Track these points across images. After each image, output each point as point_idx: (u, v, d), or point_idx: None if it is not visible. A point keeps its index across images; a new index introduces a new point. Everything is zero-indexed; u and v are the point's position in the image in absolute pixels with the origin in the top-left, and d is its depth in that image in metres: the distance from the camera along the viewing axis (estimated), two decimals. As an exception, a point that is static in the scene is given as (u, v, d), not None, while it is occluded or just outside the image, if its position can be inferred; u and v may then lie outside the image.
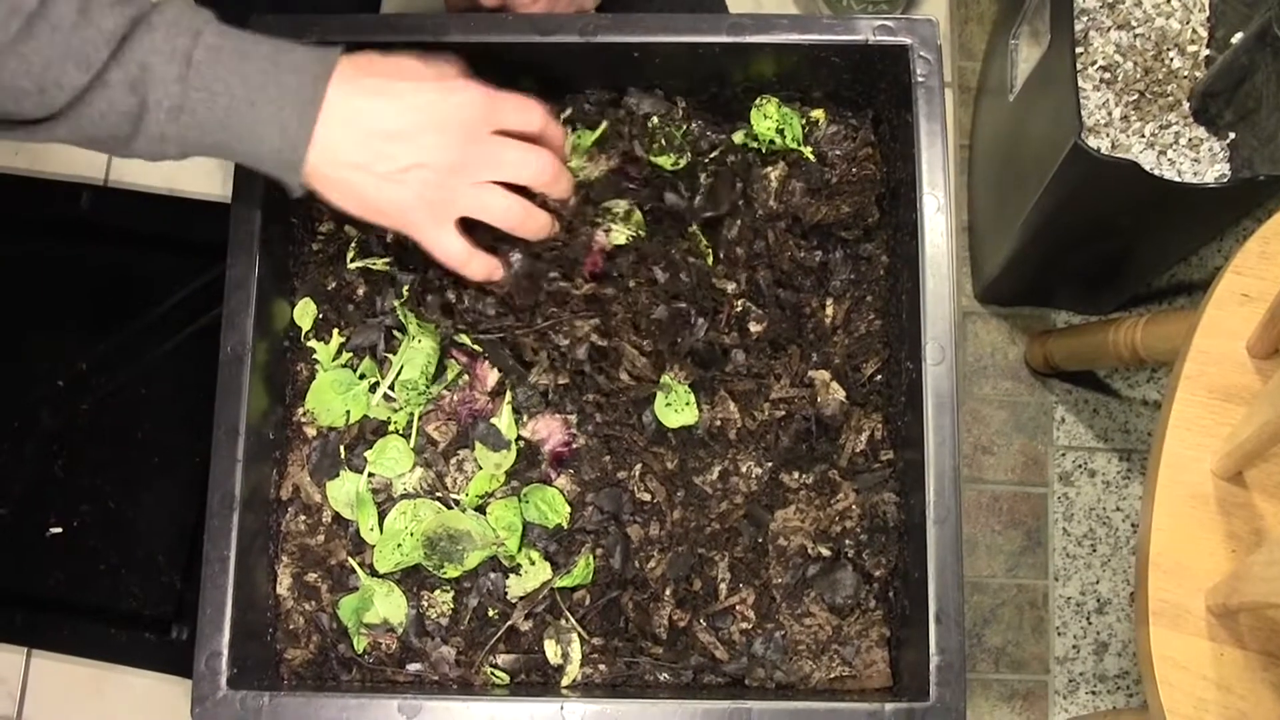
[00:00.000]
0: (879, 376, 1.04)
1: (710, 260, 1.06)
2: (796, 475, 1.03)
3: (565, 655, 0.99)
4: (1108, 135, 1.34)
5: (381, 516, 1.02)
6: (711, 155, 1.08)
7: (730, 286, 1.06)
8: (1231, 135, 1.33)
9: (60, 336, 1.50)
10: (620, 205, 1.04)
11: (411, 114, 0.85)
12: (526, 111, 0.91)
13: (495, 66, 1.04)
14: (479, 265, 0.92)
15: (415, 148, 0.85)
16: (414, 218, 0.88)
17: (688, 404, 1.02)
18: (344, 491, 1.02)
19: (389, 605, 1.00)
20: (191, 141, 0.81)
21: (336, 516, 1.03)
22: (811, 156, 1.07)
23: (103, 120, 0.78)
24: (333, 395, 1.03)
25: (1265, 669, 0.94)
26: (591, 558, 1.00)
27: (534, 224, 0.93)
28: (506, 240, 0.95)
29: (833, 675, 0.99)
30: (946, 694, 0.89)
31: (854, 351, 1.05)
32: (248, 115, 0.80)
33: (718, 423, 1.03)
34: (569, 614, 1.00)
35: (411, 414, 1.03)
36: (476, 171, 0.88)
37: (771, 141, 1.07)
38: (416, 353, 1.03)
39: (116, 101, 0.77)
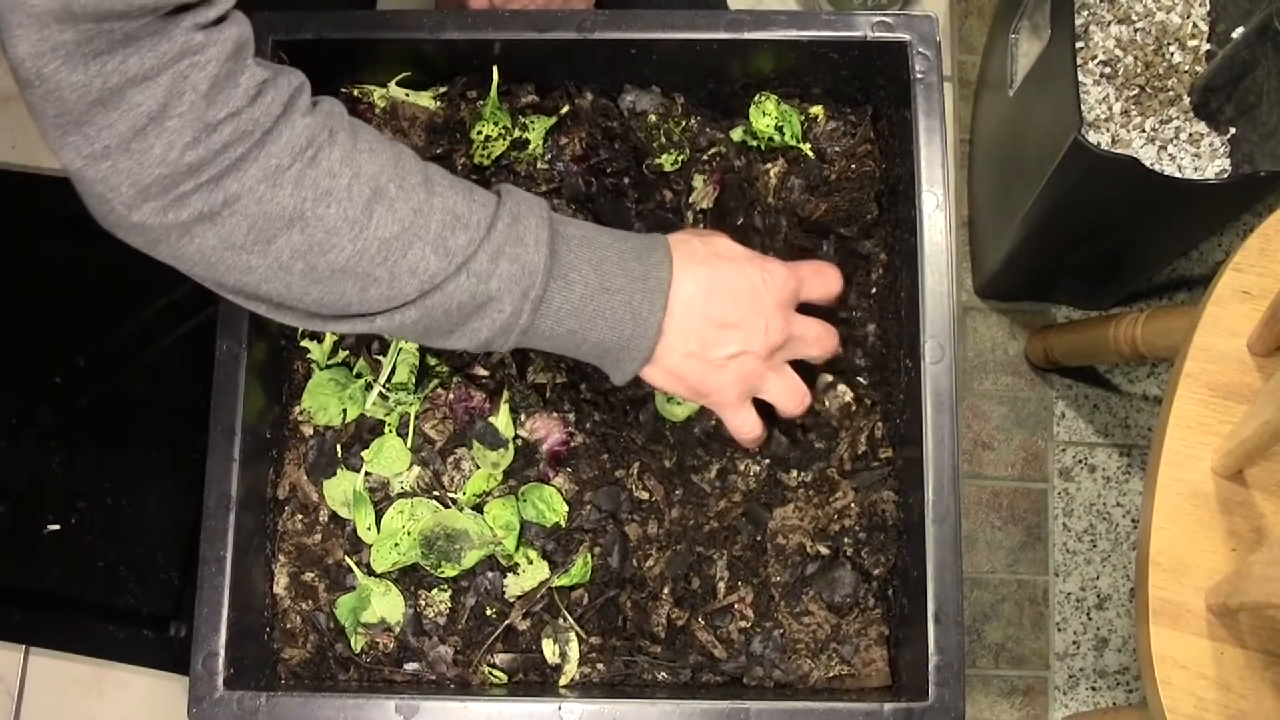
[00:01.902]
0: (878, 374, 1.04)
1: None
2: (795, 473, 1.02)
3: (563, 654, 0.98)
4: (1108, 130, 1.34)
5: (379, 516, 1.01)
6: (710, 152, 1.07)
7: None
8: (1232, 130, 1.32)
9: (58, 334, 1.50)
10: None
11: (739, 301, 0.85)
12: (828, 282, 0.94)
13: (492, 63, 1.04)
14: (760, 436, 0.94)
15: (742, 335, 0.85)
16: (725, 400, 0.89)
17: None
18: (341, 490, 1.02)
19: (386, 605, 1.00)
20: (538, 332, 0.80)
21: (333, 516, 1.02)
22: (810, 153, 1.07)
23: (452, 307, 0.77)
24: (329, 394, 1.03)
25: (1266, 668, 0.94)
26: (589, 556, 1.00)
27: (805, 404, 0.93)
28: None
29: (831, 674, 0.98)
30: (945, 694, 0.88)
31: (853, 349, 1.05)
32: (601, 303, 0.80)
33: (715, 421, 1.03)
34: (567, 613, 0.99)
35: (407, 413, 1.03)
36: (786, 354, 0.90)
37: (770, 138, 1.06)
38: (408, 353, 1.02)
39: (473, 290, 0.76)
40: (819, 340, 0.92)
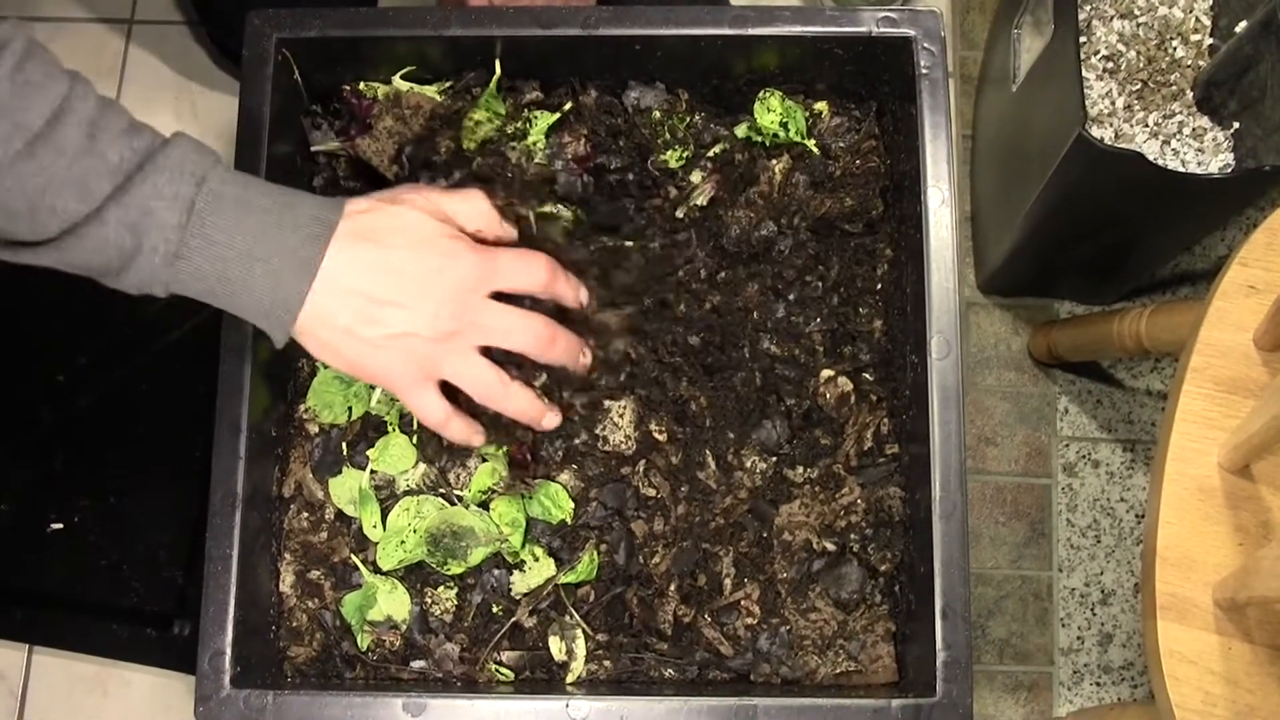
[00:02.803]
0: (883, 370, 1.04)
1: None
2: (801, 470, 1.02)
3: (570, 652, 0.98)
4: (1111, 125, 1.33)
5: (384, 513, 1.01)
6: (714, 149, 1.07)
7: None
8: (1236, 125, 1.32)
9: (60, 332, 1.49)
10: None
11: (407, 282, 0.83)
12: (529, 271, 0.90)
13: (496, 60, 1.04)
14: (457, 429, 0.91)
15: (406, 316, 0.83)
16: (396, 381, 0.87)
17: None
18: (346, 488, 1.02)
19: (392, 602, 1.00)
20: (180, 285, 0.79)
21: (339, 514, 1.02)
22: (815, 149, 1.07)
23: (94, 254, 0.77)
24: (334, 392, 1.03)
25: (1273, 663, 0.94)
26: (596, 553, 1.00)
27: (513, 403, 0.91)
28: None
29: (838, 671, 0.98)
30: (953, 690, 0.88)
31: (858, 345, 1.05)
32: (243, 269, 0.79)
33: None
34: (573, 610, 0.99)
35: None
36: (464, 340, 0.87)
37: (775, 135, 1.06)
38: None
39: (111, 239, 0.76)
40: (511, 332, 0.88)
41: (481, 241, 0.89)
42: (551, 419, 0.95)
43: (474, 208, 0.90)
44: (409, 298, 0.83)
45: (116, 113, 0.78)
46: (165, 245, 0.77)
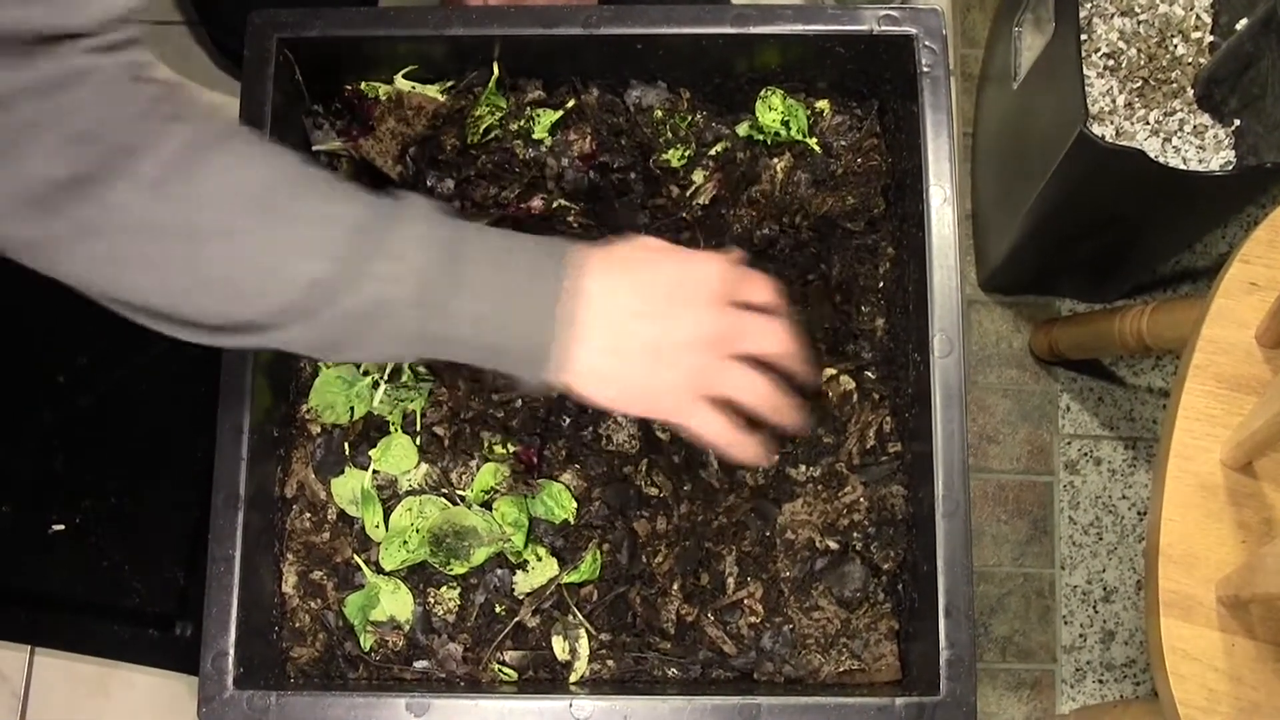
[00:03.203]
0: (886, 369, 1.04)
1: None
2: (804, 468, 1.02)
3: (573, 651, 0.98)
4: (1112, 123, 1.33)
5: (387, 513, 1.01)
6: (716, 147, 1.07)
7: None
8: (1237, 122, 1.32)
9: (61, 332, 1.49)
10: None
11: (665, 292, 0.79)
12: (763, 285, 0.84)
13: (497, 59, 1.04)
14: (750, 449, 0.83)
15: (672, 325, 0.78)
16: (679, 399, 0.80)
17: None
18: (349, 489, 1.02)
19: (395, 603, 1.00)
20: (436, 338, 0.75)
21: (341, 514, 1.02)
22: (817, 148, 1.07)
23: (347, 318, 0.72)
24: (336, 392, 1.03)
25: (1277, 660, 0.94)
26: (598, 553, 0.99)
27: (787, 412, 0.84)
28: None
29: (842, 669, 0.98)
30: (957, 688, 0.88)
31: (860, 344, 1.05)
32: (506, 308, 0.75)
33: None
34: (576, 610, 0.99)
35: (414, 411, 1.03)
36: (730, 344, 0.80)
37: (777, 133, 1.06)
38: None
39: (370, 294, 0.72)
40: (766, 334, 0.82)
41: None
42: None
43: (762, 291, 0.85)
44: (668, 306, 0.79)
45: (334, 178, 0.76)
46: (431, 293, 0.73)
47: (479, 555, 0.99)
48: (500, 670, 0.98)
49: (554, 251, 0.77)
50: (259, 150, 0.73)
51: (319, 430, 1.03)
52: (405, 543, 1.00)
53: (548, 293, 0.76)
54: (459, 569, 0.99)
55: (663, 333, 0.78)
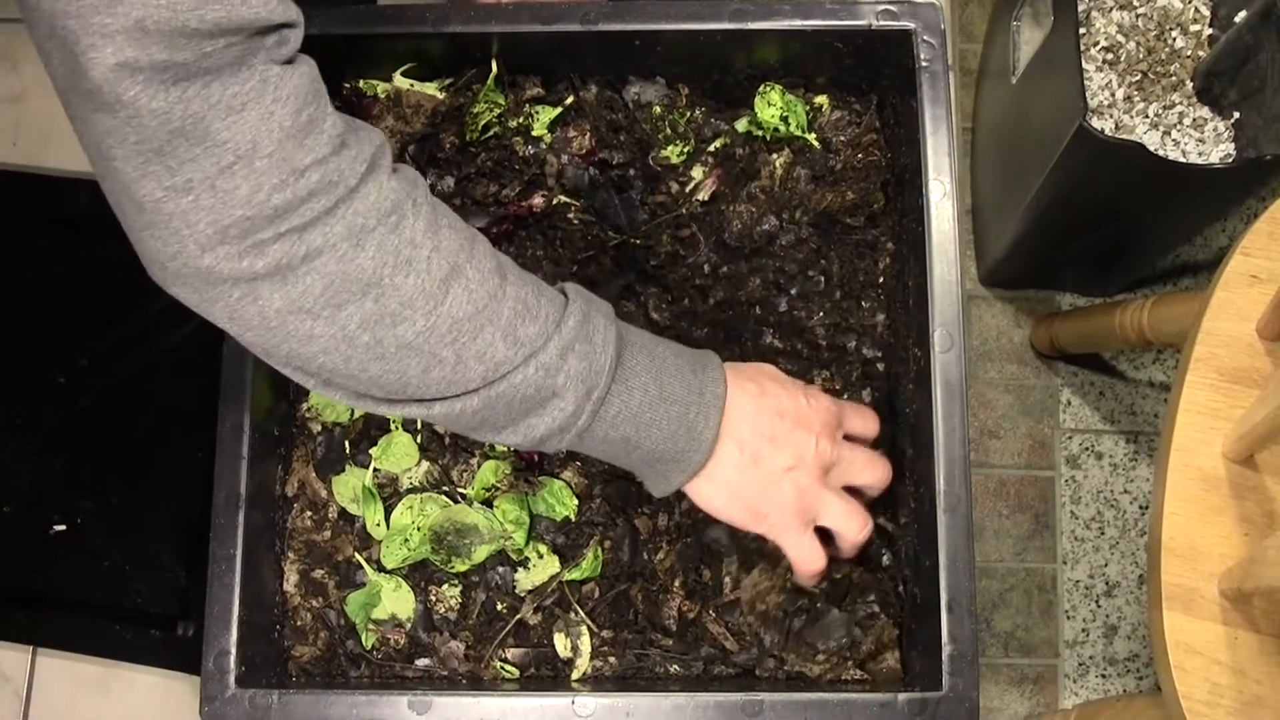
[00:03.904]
0: (886, 364, 1.04)
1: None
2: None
3: (575, 648, 0.98)
4: (1111, 116, 1.33)
5: (388, 512, 1.01)
6: (715, 143, 1.07)
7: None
8: (1236, 115, 1.32)
9: (61, 333, 1.49)
10: None
11: (787, 418, 0.84)
12: (869, 418, 0.93)
13: (495, 56, 1.04)
14: (822, 569, 0.90)
15: (793, 449, 0.84)
16: (788, 522, 0.86)
17: None
18: (350, 487, 1.02)
19: (397, 601, 1.00)
20: (593, 435, 0.78)
21: (342, 512, 1.02)
22: (816, 143, 1.07)
23: (514, 400, 0.74)
24: (337, 390, 1.03)
25: (1280, 653, 0.94)
26: (600, 550, 0.99)
27: (869, 532, 0.91)
28: None
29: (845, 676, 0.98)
30: (959, 683, 0.88)
31: (861, 339, 1.04)
32: (659, 412, 0.78)
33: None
34: (578, 607, 0.99)
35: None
36: (839, 475, 0.88)
37: (776, 129, 1.06)
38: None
39: (538, 383, 0.74)
40: (869, 465, 0.90)
41: None
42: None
43: (867, 424, 0.94)
44: (793, 433, 0.84)
45: (507, 259, 0.77)
46: (597, 388, 0.75)
47: (480, 553, 0.99)
48: (502, 668, 0.98)
49: (702, 365, 0.82)
50: (449, 216, 0.74)
51: (320, 429, 1.03)
52: (406, 540, 1.00)
53: (693, 407, 0.80)
54: (460, 567, 0.99)
55: (780, 455, 0.83)
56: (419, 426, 1.02)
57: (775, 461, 0.83)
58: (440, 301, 0.70)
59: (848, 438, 0.91)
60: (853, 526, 0.89)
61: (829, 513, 0.88)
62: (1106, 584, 1.54)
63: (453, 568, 0.99)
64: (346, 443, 1.02)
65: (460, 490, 1.01)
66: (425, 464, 1.02)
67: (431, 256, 0.70)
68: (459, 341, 0.71)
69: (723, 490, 0.84)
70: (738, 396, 0.82)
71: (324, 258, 0.66)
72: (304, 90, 0.65)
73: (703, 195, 1.06)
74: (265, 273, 0.65)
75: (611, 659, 0.98)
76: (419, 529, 1.00)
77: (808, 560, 0.88)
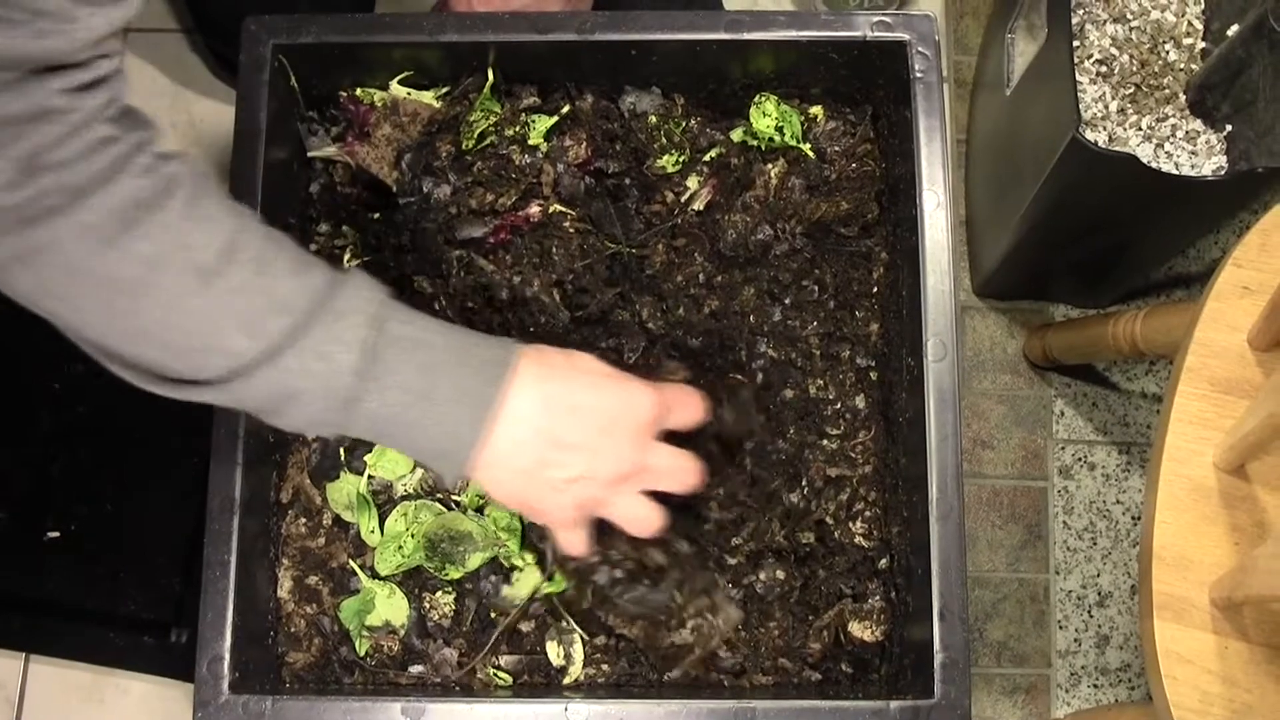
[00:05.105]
0: (880, 373, 1.04)
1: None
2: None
3: (568, 656, 0.98)
4: (1105, 129, 1.34)
5: (382, 518, 1.01)
6: (710, 153, 1.08)
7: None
8: (1228, 128, 1.32)
9: (56, 339, 1.49)
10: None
11: (589, 423, 0.81)
12: (690, 409, 0.88)
13: (489, 68, 1.05)
14: (585, 549, 0.89)
15: (586, 459, 0.81)
16: (561, 521, 0.85)
17: None
18: (344, 494, 1.02)
19: (391, 607, 1.00)
20: (353, 429, 0.77)
21: (337, 519, 1.02)
22: (811, 153, 1.07)
23: (262, 396, 0.74)
24: (332, 397, 1.03)
25: (1270, 662, 0.94)
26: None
27: (656, 528, 0.88)
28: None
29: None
30: (951, 691, 0.88)
31: (855, 349, 1.05)
32: (420, 412, 0.76)
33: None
34: (568, 616, 0.99)
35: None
36: (635, 484, 0.84)
37: (771, 139, 1.07)
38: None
39: (282, 381, 0.73)
40: (673, 474, 0.86)
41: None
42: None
43: (688, 416, 0.89)
44: (591, 441, 0.81)
45: (285, 246, 0.76)
46: (343, 390, 0.74)
47: (474, 560, 0.99)
48: (495, 674, 0.99)
49: (487, 364, 0.78)
50: (213, 210, 0.73)
51: (314, 435, 1.03)
52: (400, 547, 1.00)
53: (465, 406, 0.77)
54: (454, 574, 0.99)
55: (568, 463, 0.81)
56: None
57: (559, 471, 0.81)
58: (178, 295, 0.71)
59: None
60: (636, 528, 0.86)
61: (613, 513, 0.85)
62: (1099, 594, 1.54)
63: (446, 575, 0.99)
64: (341, 449, 1.03)
65: (454, 497, 1.02)
66: (419, 471, 1.02)
67: (170, 252, 0.70)
68: (198, 335, 0.72)
69: (501, 488, 0.82)
70: (529, 398, 0.79)
71: (51, 253, 0.68)
72: (83, 117, 0.67)
73: (698, 205, 1.06)
74: (7, 259, 0.68)
75: (604, 666, 0.98)
76: (413, 536, 1.00)
77: (569, 549, 0.88)
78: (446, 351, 0.77)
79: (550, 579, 0.99)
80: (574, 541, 0.87)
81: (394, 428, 0.77)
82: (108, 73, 0.69)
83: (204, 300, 0.71)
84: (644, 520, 0.86)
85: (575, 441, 0.80)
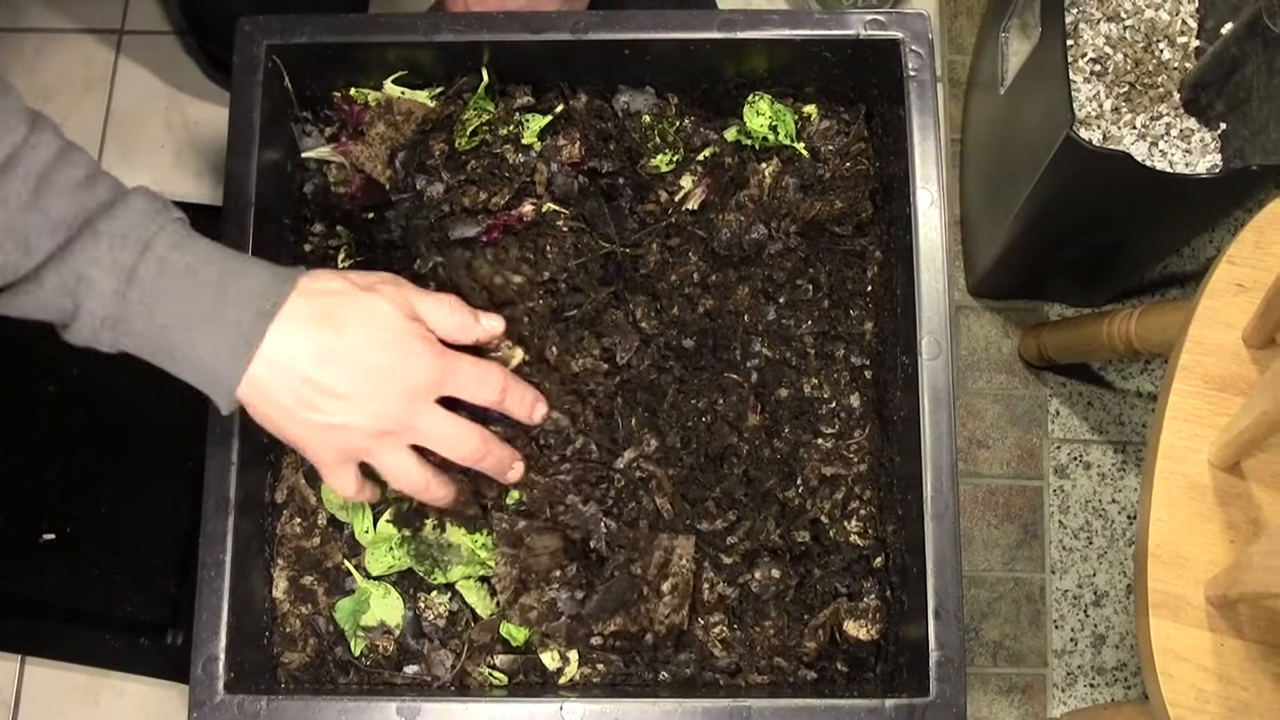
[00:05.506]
0: (875, 372, 1.04)
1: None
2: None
3: (563, 656, 0.98)
4: (1099, 127, 1.34)
5: (376, 518, 1.01)
6: (704, 153, 1.08)
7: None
8: (1222, 126, 1.33)
9: (52, 341, 1.49)
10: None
11: (356, 375, 0.82)
12: (483, 384, 0.89)
13: (484, 68, 1.05)
14: (367, 496, 0.92)
15: (345, 409, 0.82)
16: (321, 460, 0.86)
17: None
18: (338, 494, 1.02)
19: (386, 607, 1.00)
20: (124, 346, 0.79)
21: (331, 519, 1.02)
22: (805, 152, 1.07)
23: (36, 309, 0.77)
24: (326, 397, 1.03)
25: (1266, 659, 0.94)
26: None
27: (430, 495, 0.91)
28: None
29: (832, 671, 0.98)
30: (946, 689, 0.88)
31: (849, 348, 1.05)
32: (182, 338, 0.78)
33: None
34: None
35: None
36: (398, 440, 0.86)
37: (764, 138, 1.07)
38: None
39: (49, 299, 0.75)
40: (445, 442, 0.87)
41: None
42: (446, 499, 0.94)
43: (446, 311, 0.89)
44: (354, 391, 0.82)
45: (72, 165, 0.76)
46: (102, 310, 0.76)
47: (455, 573, 0.99)
48: (491, 675, 0.98)
49: (255, 298, 0.79)
50: (3, 121, 0.74)
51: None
52: (391, 549, 1.00)
53: (231, 344, 0.79)
54: (442, 579, 0.99)
55: (334, 411, 0.82)
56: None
57: (317, 415, 0.82)
58: None
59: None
60: (400, 480, 0.88)
61: (378, 463, 0.87)
62: (1095, 594, 1.54)
63: (436, 579, 0.99)
64: (336, 450, 1.02)
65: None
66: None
67: None
68: None
69: (265, 420, 0.83)
70: (294, 339, 0.80)
71: None
72: None
73: (692, 204, 1.06)
74: None
75: (599, 665, 0.98)
76: (404, 538, 1.00)
77: (341, 490, 0.89)
78: (214, 284, 0.78)
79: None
80: (341, 482, 0.88)
81: (157, 351, 0.79)
82: None
83: None
84: (406, 476, 0.88)
85: (336, 389, 0.81)
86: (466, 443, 0.89)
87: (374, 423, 0.83)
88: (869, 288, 1.06)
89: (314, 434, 0.84)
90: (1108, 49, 1.37)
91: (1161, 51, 1.37)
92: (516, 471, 0.95)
